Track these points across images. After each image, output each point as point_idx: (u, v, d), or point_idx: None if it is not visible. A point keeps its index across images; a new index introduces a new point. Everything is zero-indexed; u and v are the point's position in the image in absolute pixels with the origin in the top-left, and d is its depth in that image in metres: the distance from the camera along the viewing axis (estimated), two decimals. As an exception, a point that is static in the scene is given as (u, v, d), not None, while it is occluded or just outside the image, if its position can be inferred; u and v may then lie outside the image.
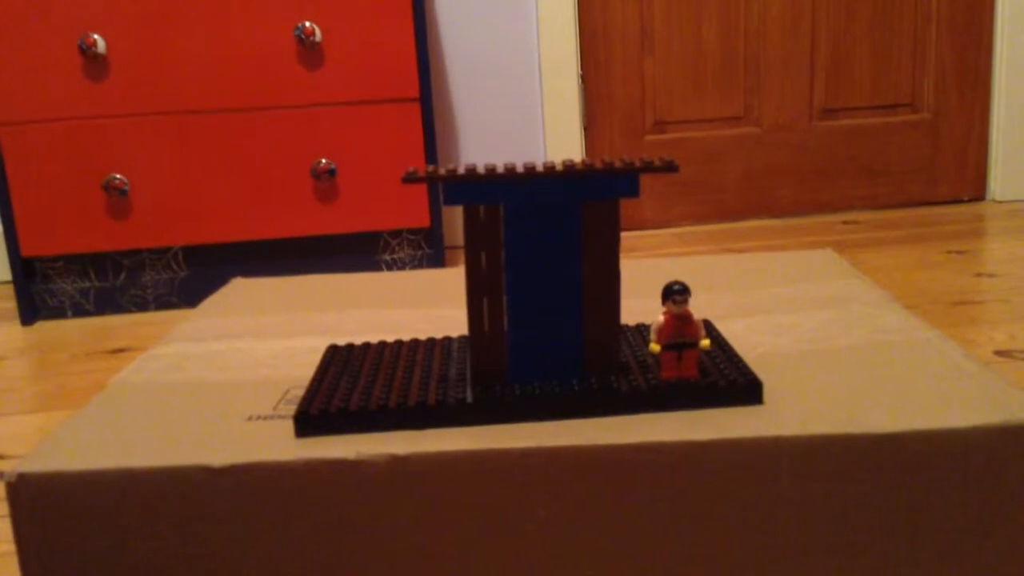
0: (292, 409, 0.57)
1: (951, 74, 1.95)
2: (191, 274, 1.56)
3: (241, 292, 0.83)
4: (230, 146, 1.50)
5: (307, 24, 1.46)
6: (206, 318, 0.76)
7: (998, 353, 1.12)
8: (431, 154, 1.55)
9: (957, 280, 1.44)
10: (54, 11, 1.43)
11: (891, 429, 0.51)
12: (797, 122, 1.95)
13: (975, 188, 2.01)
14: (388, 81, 1.51)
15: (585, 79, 1.89)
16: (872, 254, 1.63)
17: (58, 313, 1.54)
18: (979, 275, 1.46)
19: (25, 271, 1.51)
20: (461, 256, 1.77)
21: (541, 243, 0.55)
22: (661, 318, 0.55)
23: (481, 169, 0.54)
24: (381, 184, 1.54)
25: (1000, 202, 1.99)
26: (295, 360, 0.65)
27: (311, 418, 0.53)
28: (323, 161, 1.51)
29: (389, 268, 1.60)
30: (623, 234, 1.91)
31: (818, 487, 0.51)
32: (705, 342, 0.56)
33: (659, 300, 0.56)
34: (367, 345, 0.64)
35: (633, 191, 0.55)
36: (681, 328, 0.55)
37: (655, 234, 1.91)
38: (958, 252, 1.61)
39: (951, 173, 2.00)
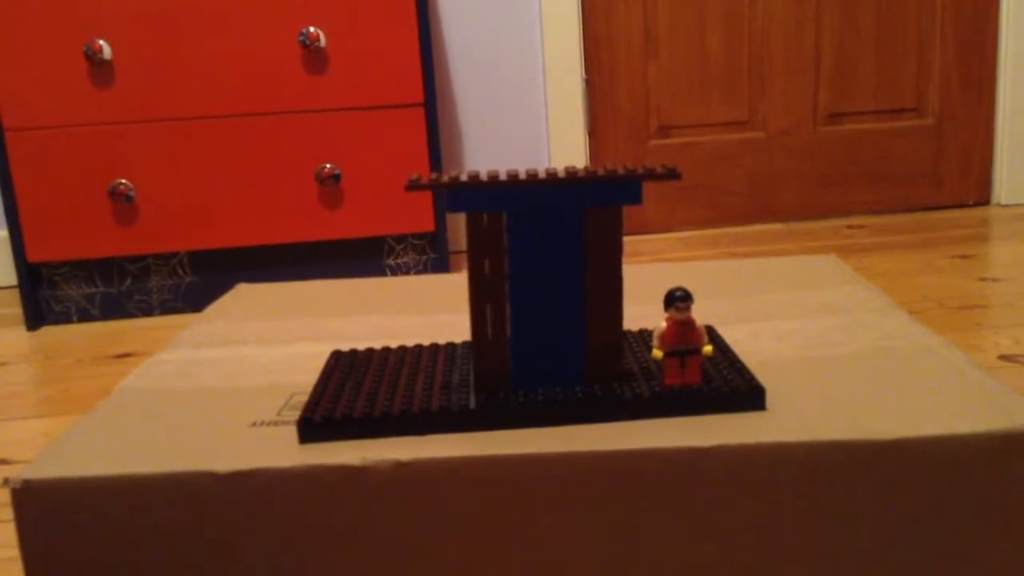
0: (296, 415, 0.57)
1: (956, 78, 1.95)
2: (196, 279, 1.56)
3: (246, 298, 0.83)
4: (235, 151, 1.51)
5: (312, 30, 1.47)
6: (211, 323, 0.76)
7: (1002, 358, 1.12)
8: (435, 159, 1.55)
9: (962, 285, 1.44)
10: (60, 17, 1.44)
11: (894, 436, 0.51)
12: (801, 127, 1.95)
13: (980, 192, 2.01)
14: (392, 86, 1.51)
15: (589, 84, 1.89)
16: (876, 259, 1.63)
17: (64, 318, 1.55)
18: (984, 279, 1.46)
19: (31, 276, 1.52)
20: (465, 261, 1.77)
21: (544, 250, 0.55)
22: (664, 324, 0.55)
23: (484, 176, 0.54)
24: (385, 189, 1.54)
25: (1005, 206, 1.98)
26: (299, 366, 0.66)
27: (315, 424, 0.53)
28: (328, 166, 1.52)
29: (393, 273, 1.60)
30: (626, 238, 1.91)
31: (821, 494, 0.51)
32: (708, 348, 0.56)
33: (662, 305, 0.56)
34: (371, 351, 0.64)
35: (636, 198, 0.55)
36: (684, 334, 0.55)
37: (658, 238, 1.91)
38: (963, 257, 1.61)
39: (956, 177, 2.00)
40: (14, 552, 0.77)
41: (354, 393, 0.57)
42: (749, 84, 1.93)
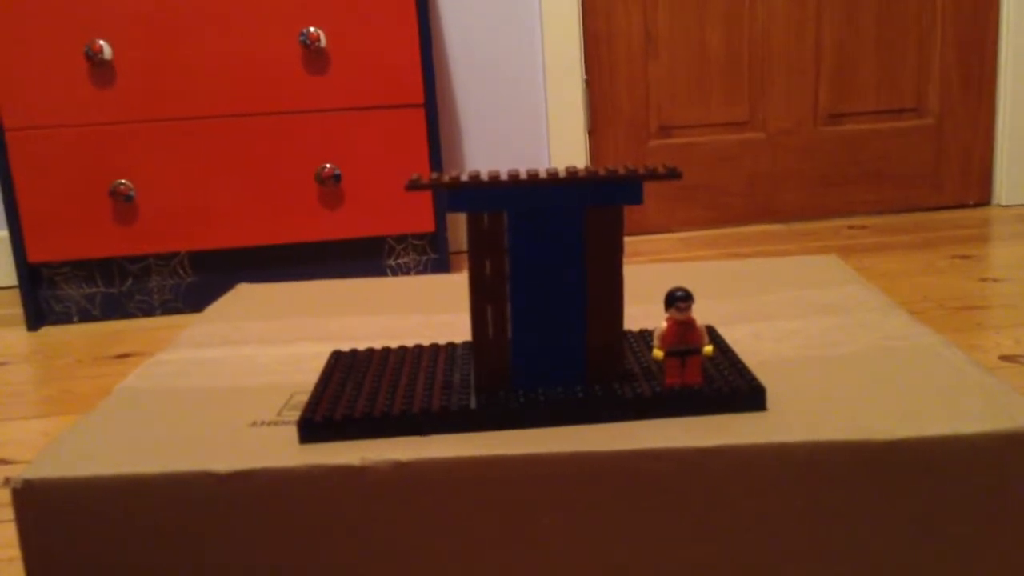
0: (296, 415, 0.57)
1: (956, 78, 1.95)
2: (197, 279, 1.56)
3: (246, 298, 0.83)
4: (236, 152, 1.51)
5: (312, 30, 1.47)
6: (211, 324, 0.76)
7: (1003, 358, 1.12)
8: (436, 159, 1.55)
9: (962, 285, 1.44)
10: (60, 17, 1.44)
11: (895, 436, 0.51)
12: (802, 127, 1.95)
13: (980, 193, 2.01)
14: (393, 87, 1.51)
15: (589, 84, 1.89)
16: (877, 259, 1.63)
17: (64, 318, 1.55)
18: (984, 280, 1.46)
19: (31, 277, 1.52)
20: (465, 261, 1.77)
21: (545, 250, 0.55)
22: (664, 324, 0.55)
23: (484, 176, 0.54)
24: (386, 189, 1.54)
25: (1005, 207, 1.98)
26: (299, 366, 0.66)
27: (315, 424, 0.53)
28: (328, 166, 1.52)
29: (394, 273, 1.60)
30: (626, 238, 1.91)
31: (822, 494, 0.51)
32: (708, 348, 0.56)
33: (663, 306, 0.56)
34: (371, 351, 0.64)
35: (636, 198, 0.55)
36: (684, 334, 0.55)
37: (659, 239, 1.91)
38: (963, 257, 1.60)
39: (956, 178, 2.00)
40: (14, 552, 0.77)
41: (354, 393, 0.57)
42: (749, 84, 1.92)
